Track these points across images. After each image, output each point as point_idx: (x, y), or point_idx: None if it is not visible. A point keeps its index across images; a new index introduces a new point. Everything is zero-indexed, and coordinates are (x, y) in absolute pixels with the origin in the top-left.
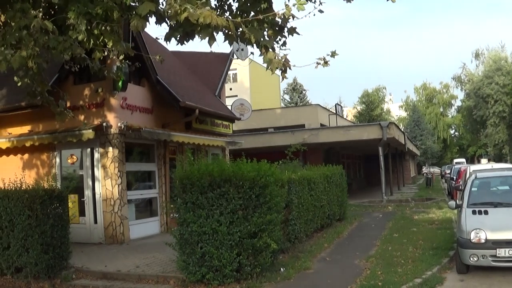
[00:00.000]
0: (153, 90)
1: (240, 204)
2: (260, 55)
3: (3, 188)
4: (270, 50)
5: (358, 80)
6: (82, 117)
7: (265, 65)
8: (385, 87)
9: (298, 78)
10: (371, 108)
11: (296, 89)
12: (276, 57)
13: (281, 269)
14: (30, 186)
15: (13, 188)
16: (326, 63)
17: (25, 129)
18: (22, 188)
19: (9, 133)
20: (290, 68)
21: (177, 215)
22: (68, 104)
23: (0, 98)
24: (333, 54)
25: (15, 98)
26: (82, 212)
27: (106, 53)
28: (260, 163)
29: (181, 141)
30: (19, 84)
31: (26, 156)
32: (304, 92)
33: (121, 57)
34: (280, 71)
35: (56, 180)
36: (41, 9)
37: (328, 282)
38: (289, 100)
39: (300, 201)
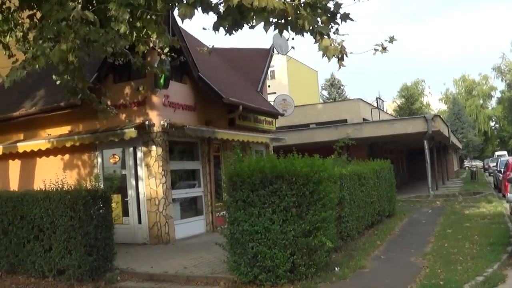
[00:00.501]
0: (195, 87)
1: (293, 202)
2: (315, 42)
3: (44, 189)
4: (325, 36)
5: (395, 74)
6: (123, 116)
7: (303, 61)
8: (424, 80)
9: (336, 73)
10: (411, 101)
11: (334, 85)
12: (332, 44)
13: (336, 268)
14: (72, 187)
15: (55, 189)
16: (384, 49)
17: (65, 129)
18: (64, 189)
19: (48, 134)
20: (346, 56)
21: (225, 213)
22: (109, 103)
23: (38, 99)
24: (392, 39)
25: (54, 99)
26: (125, 212)
27: (151, 45)
28: (313, 158)
29: (225, 138)
30: (58, 82)
31: (66, 156)
32: (342, 87)
33: (166, 50)
34: (337, 58)
35: (98, 180)
36: (79, 1)
37: (386, 281)
38: (328, 96)
39: (351, 197)
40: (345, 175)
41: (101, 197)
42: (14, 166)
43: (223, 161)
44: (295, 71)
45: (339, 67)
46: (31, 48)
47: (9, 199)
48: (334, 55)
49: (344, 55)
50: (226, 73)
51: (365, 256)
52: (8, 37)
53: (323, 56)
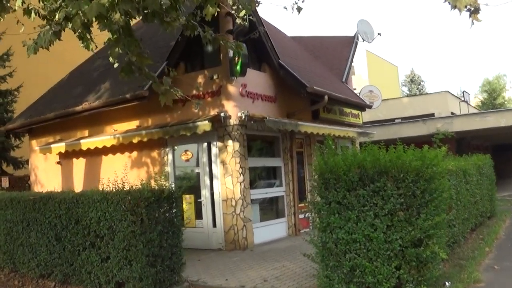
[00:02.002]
0: (275, 76)
1: (400, 203)
2: None
3: (102, 189)
4: None
5: (475, 68)
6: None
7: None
8: (506, 75)
9: (415, 69)
10: (493, 96)
11: (414, 81)
12: None
13: (446, 283)
14: (134, 186)
15: (114, 189)
16: None
17: (132, 124)
18: (124, 189)
19: (114, 130)
20: (480, 9)
21: (310, 216)
22: (181, 92)
23: (103, 92)
24: None
25: (119, 91)
26: (199, 215)
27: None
28: (423, 150)
29: (310, 132)
30: (110, 59)
31: (134, 154)
32: (422, 83)
33: (242, 13)
34: (469, 12)
35: (168, 179)
36: None
37: None
38: (408, 92)
39: (458, 197)
40: (451, 170)
41: (167, 198)
42: (78, 165)
43: (306, 157)
44: (375, 66)
45: (472, 23)
46: (63, 7)
47: (63, 201)
48: (466, 7)
49: (478, 9)
50: (307, 61)
51: (476, 266)
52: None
53: (452, 8)
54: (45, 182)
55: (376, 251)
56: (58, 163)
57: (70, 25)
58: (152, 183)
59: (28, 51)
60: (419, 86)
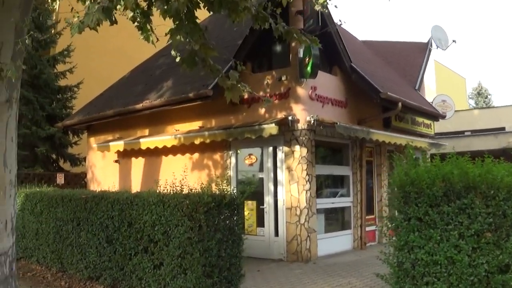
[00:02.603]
0: (346, 80)
1: (489, 223)
2: None
3: (158, 191)
4: None
5: None
6: (262, 110)
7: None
8: None
9: (483, 81)
10: None
11: (481, 94)
12: None
13: None
14: (193, 190)
15: (171, 192)
16: None
17: (195, 125)
18: (182, 192)
19: (176, 130)
20: None
21: (383, 231)
22: (246, 96)
23: (165, 90)
24: None
25: (182, 89)
26: (260, 222)
27: None
28: None
29: (381, 141)
30: (172, 52)
31: (195, 155)
32: (489, 96)
33: (318, 6)
34: None
35: (230, 183)
36: None
37: None
38: (474, 105)
39: None
40: None
41: (228, 204)
42: (137, 165)
43: (376, 167)
44: (444, 77)
45: None
46: None
47: (116, 202)
48: None
49: None
50: (379, 66)
51: None
52: None
53: None
54: (102, 180)
55: (458, 276)
56: (116, 161)
57: (122, 2)
58: (213, 187)
59: (72, 31)
60: (486, 100)
